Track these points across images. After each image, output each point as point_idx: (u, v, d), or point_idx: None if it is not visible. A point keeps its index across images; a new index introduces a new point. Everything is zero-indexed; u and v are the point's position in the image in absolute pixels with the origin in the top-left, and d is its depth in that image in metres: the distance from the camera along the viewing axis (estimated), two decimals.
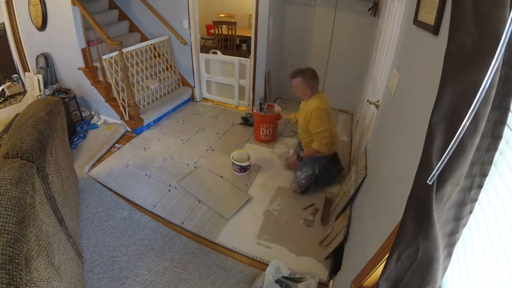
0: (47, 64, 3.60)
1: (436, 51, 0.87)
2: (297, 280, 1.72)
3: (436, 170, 0.50)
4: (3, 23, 4.08)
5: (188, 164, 2.79)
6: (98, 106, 3.50)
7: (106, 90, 3.25)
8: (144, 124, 3.30)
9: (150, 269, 1.81)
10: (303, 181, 2.37)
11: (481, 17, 0.46)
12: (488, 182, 0.60)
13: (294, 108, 3.90)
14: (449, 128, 0.50)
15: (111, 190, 2.45)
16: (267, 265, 1.75)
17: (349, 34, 3.46)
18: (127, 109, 3.17)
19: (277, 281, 1.69)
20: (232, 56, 3.74)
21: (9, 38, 4.19)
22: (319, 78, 2.25)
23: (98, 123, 3.47)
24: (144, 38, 3.90)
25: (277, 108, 3.06)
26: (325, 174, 2.44)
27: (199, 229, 2.10)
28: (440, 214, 0.57)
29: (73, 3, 2.86)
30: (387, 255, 0.65)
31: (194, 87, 4.05)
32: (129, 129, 3.34)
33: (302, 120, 2.35)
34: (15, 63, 4.35)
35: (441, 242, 0.58)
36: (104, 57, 2.96)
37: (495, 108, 0.50)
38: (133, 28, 3.98)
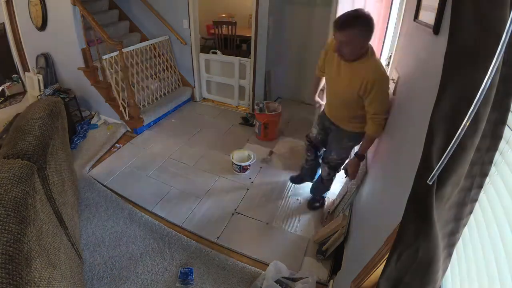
0: (47, 64, 3.60)
1: (436, 51, 0.87)
2: (297, 280, 1.72)
3: (436, 170, 0.50)
4: (3, 23, 4.08)
5: (188, 164, 2.79)
6: (98, 106, 3.50)
7: (106, 90, 3.25)
8: (144, 124, 3.30)
9: (150, 269, 1.81)
10: (339, 161, 1.87)
11: (481, 17, 0.46)
12: (488, 182, 0.60)
13: (295, 107, 3.92)
14: (449, 128, 0.50)
15: (111, 190, 2.44)
16: (267, 265, 1.75)
17: None
18: (127, 109, 3.17)
19: (277, 281, 1.69)
20: (232, 56, 3.74)
21: (9, 38, 4.19)
22: None
23: (98, 123, 3.47)
24: (144, 38, 3.90)
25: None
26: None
27: (199, 229, 2.10)
28: (440, 214, 0.57)
29: (73, 3, 2.86)
30: (387, 255, 0.65)
31: (194, 87, 4.04)
32: (129, 129, 3.33)
33: (340, 81, 1.59)
34: (15, 63, 4.35)
35: (441, 242, 0.58)
36: (104, 57, 2.96)
37: (495, 108, 0.50)
38: (133, 28, 3.98)
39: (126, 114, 3.21)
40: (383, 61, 1.94)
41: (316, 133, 1.98)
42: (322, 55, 1.75)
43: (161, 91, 3.73)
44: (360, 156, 1.67)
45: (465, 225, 0.62)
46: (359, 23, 1.37)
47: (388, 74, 1.55)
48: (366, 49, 1.46)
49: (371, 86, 1.41)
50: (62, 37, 3.21)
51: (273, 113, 3.06)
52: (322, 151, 2.10)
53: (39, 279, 1.01)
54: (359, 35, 1.39)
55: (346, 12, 1.42)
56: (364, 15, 1.38)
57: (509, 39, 0.41)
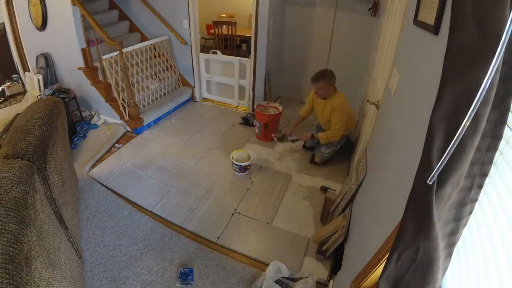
0: (47, 64, 3.60)
1: (436, 51, 0.87)
2: (297, 280, 1.72)
3: (436, 170, 0.50)
4: (3, 23, 4.08)
5: (188, 164, 2.79)
6: (98, 106, 3.50)
7: (106, 90, 3.25)
8: (144, 124, 3.30)
9: (150, 269, 1.81)
10: (326, 155, 2.78)
11: (481, 17, 0.46)
12: (488, 182, 0.60)
13: (294, 107, 3.92)
14: (449, 128, 0.50)
15: (111, 190, 2.45)
16: (267, 265, 1.75)
17: (349, 34, 3.45)
18: (127, 109, 3.17)
19: (277, 281, 1.69)
20: (232, 56, 3.74)
21: (9, 38, 4.18)
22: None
23: (98, 123, 3.47)
24: (144, 38, 3.90)
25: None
26: (346, 148, 2.88)
27: (199, 229, 2.10)
28: (440, 214, 0.57)
29: (73, 3, 2.86)
30: (387, 255, 0.65)
31: (194, 87, 4.04)
32: (129, 129, 3.33)
33: (322, 113, 2.72)
34: (15, 63, 4.35)
35: (441, 242, 0.58)
36: (104, 57, 2.96)
37: (495, 108, 0.50)
38: (133, 28, 3.98)
39: (126, 114, 3.21)
40: (383, 61, 1.95)
41: (312, 131, 2.99)
42: (309, 101, 2.88)
43: (161, 91, 3.73)
44: (313, 136, 2.84)
45: (465, 225, 0.62)
46: (323, 78, 2.49)
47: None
48: (333, 91, 2.58)
49: (333, 111, 2.57)
50: (62, 37, 3.21)
51: (273, 113, 3.06)
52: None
53: (39, 279, 1.01)
54: (324, 84, 2.50)
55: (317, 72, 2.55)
56: (326, 73, 2.51)
57: (509, 39, 0.41)
